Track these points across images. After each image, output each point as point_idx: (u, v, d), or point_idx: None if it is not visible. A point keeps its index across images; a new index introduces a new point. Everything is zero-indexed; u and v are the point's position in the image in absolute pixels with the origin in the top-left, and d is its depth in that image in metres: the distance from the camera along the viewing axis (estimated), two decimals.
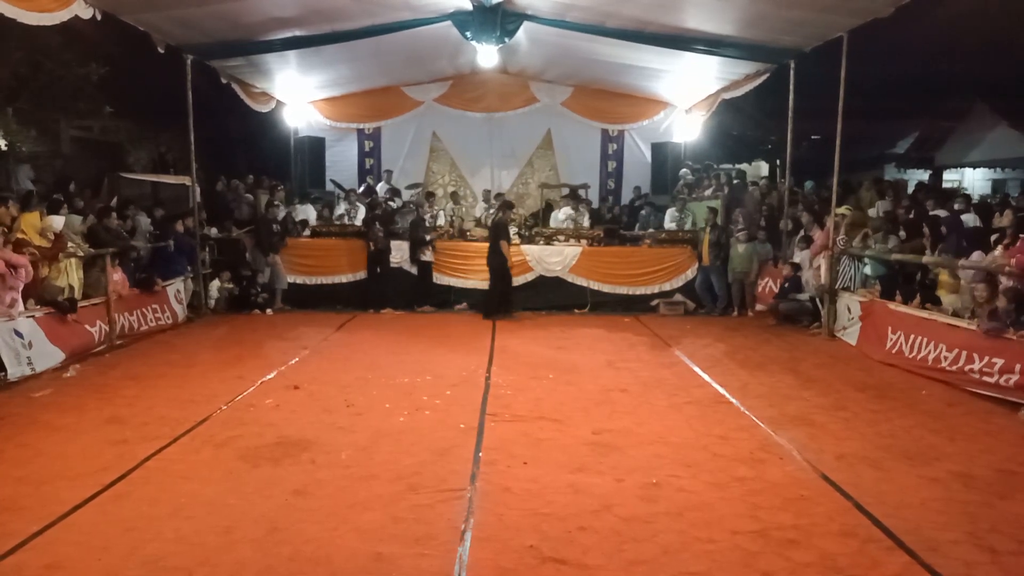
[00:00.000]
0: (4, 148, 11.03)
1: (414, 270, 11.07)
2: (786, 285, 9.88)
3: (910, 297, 7.78)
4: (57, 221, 7.70)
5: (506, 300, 10.50)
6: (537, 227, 12.13)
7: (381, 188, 13.26)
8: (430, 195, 12.83)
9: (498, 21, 9.50)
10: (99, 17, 7.40)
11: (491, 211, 12.42)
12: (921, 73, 15.01)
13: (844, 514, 3.88)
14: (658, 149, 14.23)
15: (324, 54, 10.59)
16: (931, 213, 8.63)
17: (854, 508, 3.95)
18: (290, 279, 11.12)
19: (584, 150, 14.42)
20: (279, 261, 10.95)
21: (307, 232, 11.63)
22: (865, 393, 6.41)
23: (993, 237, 7.25)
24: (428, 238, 10.97)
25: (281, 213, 11.32)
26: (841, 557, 3.41)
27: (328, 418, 5.55)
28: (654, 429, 5.32)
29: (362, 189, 13.21)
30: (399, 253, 11.12)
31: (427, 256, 10.97)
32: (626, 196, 14.19)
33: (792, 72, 9.95)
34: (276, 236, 10.90)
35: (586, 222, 12.16)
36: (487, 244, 11.33)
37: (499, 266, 10.42)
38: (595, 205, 13.71)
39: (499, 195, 12.74)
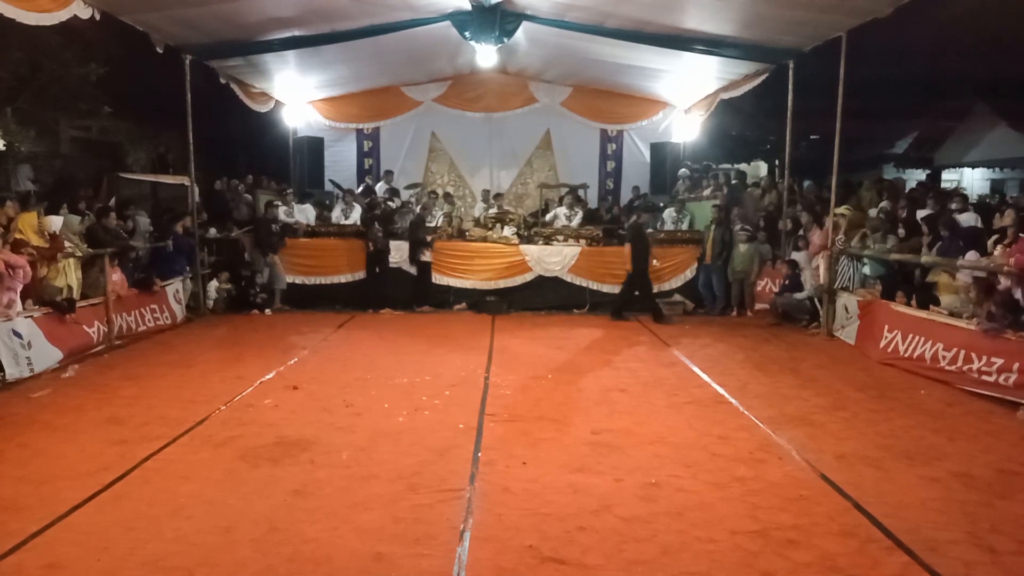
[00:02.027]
0: (3, 148, 11.02)
1: (413, 270, 11.07)
2: (786, 283, 9.89)
3: (911, 297, 7.78)
4: (55, 221, 7.68)
5: (651, 304, 10.24)
6: (536, 227, 12.12)
7: (380, 188, 13.25)
8: (432, 194, 12.82)
9: (497, 21, 9.50)
10: (98, 17, 7.40)
11: (491, 211, 12.41)
12: (920, 73, 15.02)
13: (844, 514, 3.88)
14: (657, 149, 14.23)
15: (323, 54, 10.59)
16: (925, 212, 8.61)
17: (854, 508, 3.95)
18: (289, 279, 11.11)
19: (583, 150, 14.43)
20: (278, 261, 10.94)
21: (302, 232, 11.59)
22: (865, 393, 6.41)
23: (994, 237, 7.24)
24: (428, 239, 10.95)
25: (282, 213, 11.31)
26: (841, 557, 3.41)
27: (327, 418, 5.55)
28: (653, 429, 5.32)
29: (361, 189, 13.21)
30: (398, 253, 11.12)
31: (426, 257, 10.96)
32: (625, 196, 14.17)
33: (791, 72, 9.96)
34: (275, 236, 10.89)
35: (575, 221, 12.04)
36: (486, 244, 11.35)
37: (637, 269, 10.13)
38: (594, 205, 13.72)
39: (641, 196, 12.60)
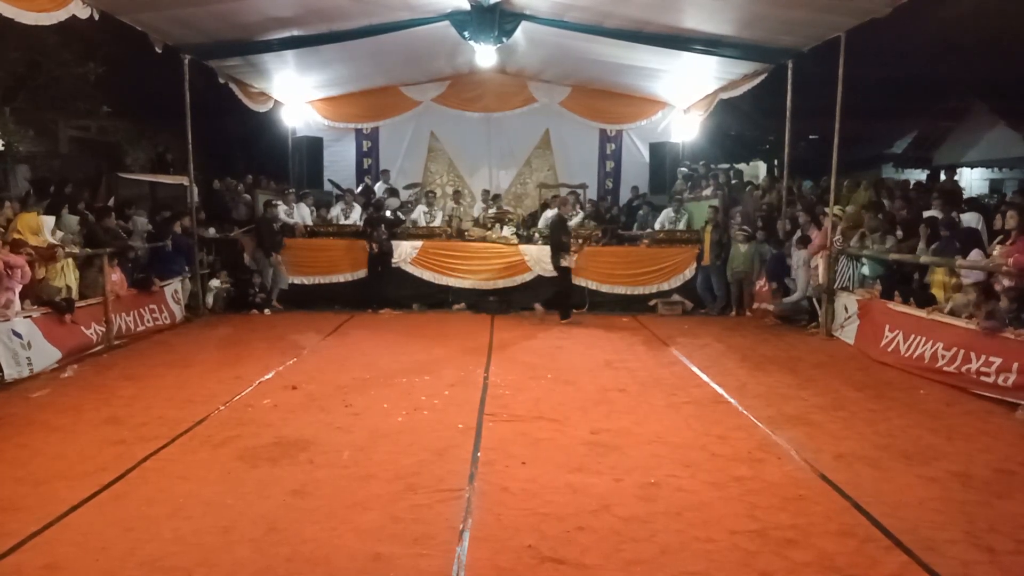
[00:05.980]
0: (2, 148, 11.02)
1: (553, 276, 10.59)
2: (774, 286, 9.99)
3: (907, 298, 7.78)
4: (46, 222, 7.65)
5: None
6: (535, 227, 12.11)
7: (379, 188, 13.26)
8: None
9: (496, 21, 9.50)
10: (96, 17, 7.40)
11: (491, 211, 12.40)
12: (919, 73, 15.05)
13: (842, 514, 3.89)
14: (656, 149, 14.23)
15: (322, 54, 10.59)
16: (931, 213, 8.60)
17: (852, 508, 3.95)
18: (288, 279, 11.10)
19: (582, 150, 14.42)
20: (281, 260, 10.94)
21: (300, 232, 11.58)
22: (863, 392, 6.41)
23: (998, 239, 7.20)
24: (569, 243, 10.37)
25: (282, 213, 11.31)
26: (839, 556, 3.41)
27: (326, 418, 5.54)
28: (652, 429, 5.32)
29: (360, 189, 13.21)
30: (399, 253, 11.11)
31: (567, 262, 10.26)
32: (624, 196, 14.19)
33: (790, 72, 9.96)
34: (278, 235, 10.90)
35: (574, 222, 11.95)
36: (485, 244, 11.34)
37: None
38: None
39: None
